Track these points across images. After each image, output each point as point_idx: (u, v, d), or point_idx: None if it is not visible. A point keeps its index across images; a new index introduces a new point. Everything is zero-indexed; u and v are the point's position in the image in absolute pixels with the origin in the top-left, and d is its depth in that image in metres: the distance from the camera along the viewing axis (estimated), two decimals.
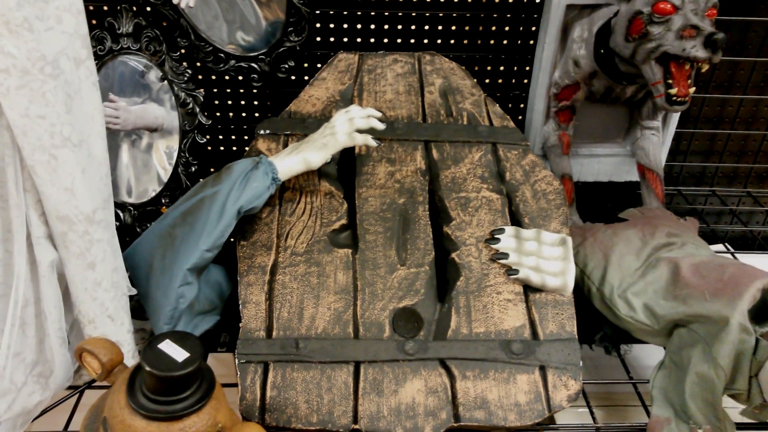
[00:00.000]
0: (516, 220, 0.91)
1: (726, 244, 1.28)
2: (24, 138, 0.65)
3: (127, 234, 1.12)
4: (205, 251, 0.80)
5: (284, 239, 0.87)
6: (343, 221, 0.90)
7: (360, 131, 0.90)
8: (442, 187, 0.94)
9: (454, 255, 0.87)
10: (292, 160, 0.86)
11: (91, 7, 1.10)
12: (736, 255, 1.23)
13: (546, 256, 0.85)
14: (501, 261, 0.85)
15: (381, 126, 0.91)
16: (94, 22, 1.11)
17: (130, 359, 0.80)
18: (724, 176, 1.37)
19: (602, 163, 1.24)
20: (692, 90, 0.95)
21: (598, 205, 1.20)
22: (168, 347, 0.61)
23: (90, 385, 0.85)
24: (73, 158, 0.69)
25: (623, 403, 0.98)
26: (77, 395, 0.84)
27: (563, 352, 0.79)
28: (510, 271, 0.84)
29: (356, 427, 0.73)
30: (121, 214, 1.12)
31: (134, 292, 0.82)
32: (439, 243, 0.89)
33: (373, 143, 0.90)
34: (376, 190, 0.93)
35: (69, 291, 0.76)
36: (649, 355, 1.04)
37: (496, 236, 0.88)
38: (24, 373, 0.75)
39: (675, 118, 1.19)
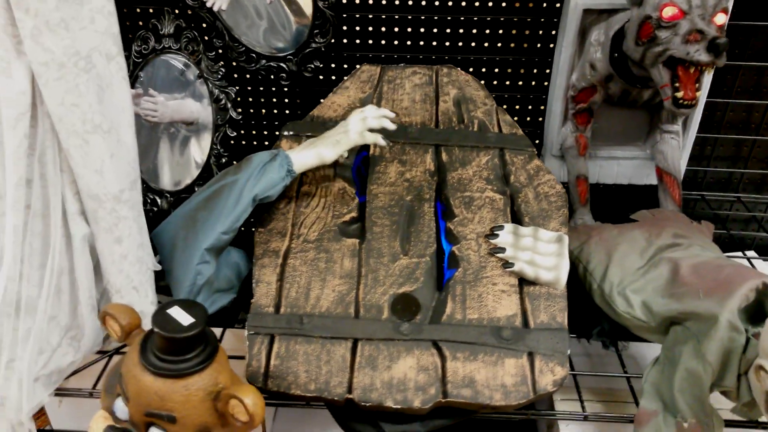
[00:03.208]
0: (516, 219, 0.95)
1: (744, 252, 1.27)
2: (60, 124, 0.74)
3: (163, 218, 1.21)
4: (221, 233, 0.87)
5: (298, 228, 0.94)
6: (353, 214, 0.96)
7: (372, 131, 0.95)
8: (449, 186, 0.98)
9: (454, 248, 0.91)
10: (306, 154, 0.93)
11: (138, 10, 1.20)
12: (756, 262, 1.22)
13: (541, 251, 0.88)
14: (498, 255, 0.89)
15: (392, 126, 0.96)
16: (140, 23, 1.21)
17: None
18: (751, 183, 1.35)
19: (621, 166, 1.25)
20: (699, 93, 0.96)
21: (617, 208, 1.21)
22: (176, 313, 0.68)
23: (117, 351, 0.93)
24: (102, 143, 0.77)
25: (620, 400, 0.99)
26: (106, 359, 0.93)
27: (552, 341, 0.82)
28: (506, 264, 0.88)
29: (350, 396, 0.78)
30: (159, 200, 1.21)
31: (158, 267, 0.90)
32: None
33: (382, 142, 0.95)
34: (386, 188, 0.99)
35: (99, 263, 0.84)
36: (651, 353, 1.05)
37: (495, 232, 0.91)
38: (59, 335, 0.84)
39: (695, 122, 1.19)
